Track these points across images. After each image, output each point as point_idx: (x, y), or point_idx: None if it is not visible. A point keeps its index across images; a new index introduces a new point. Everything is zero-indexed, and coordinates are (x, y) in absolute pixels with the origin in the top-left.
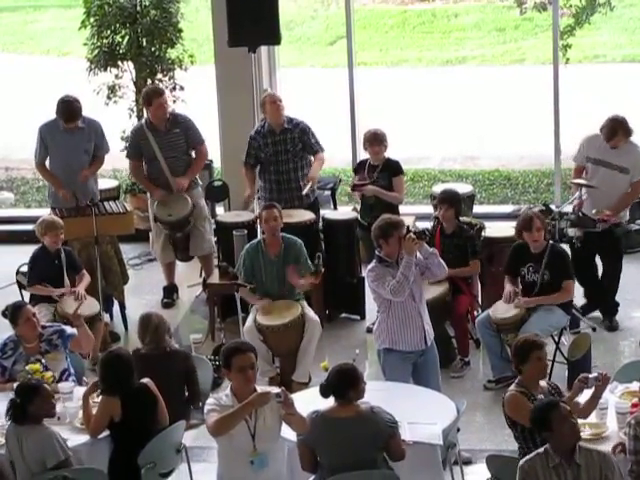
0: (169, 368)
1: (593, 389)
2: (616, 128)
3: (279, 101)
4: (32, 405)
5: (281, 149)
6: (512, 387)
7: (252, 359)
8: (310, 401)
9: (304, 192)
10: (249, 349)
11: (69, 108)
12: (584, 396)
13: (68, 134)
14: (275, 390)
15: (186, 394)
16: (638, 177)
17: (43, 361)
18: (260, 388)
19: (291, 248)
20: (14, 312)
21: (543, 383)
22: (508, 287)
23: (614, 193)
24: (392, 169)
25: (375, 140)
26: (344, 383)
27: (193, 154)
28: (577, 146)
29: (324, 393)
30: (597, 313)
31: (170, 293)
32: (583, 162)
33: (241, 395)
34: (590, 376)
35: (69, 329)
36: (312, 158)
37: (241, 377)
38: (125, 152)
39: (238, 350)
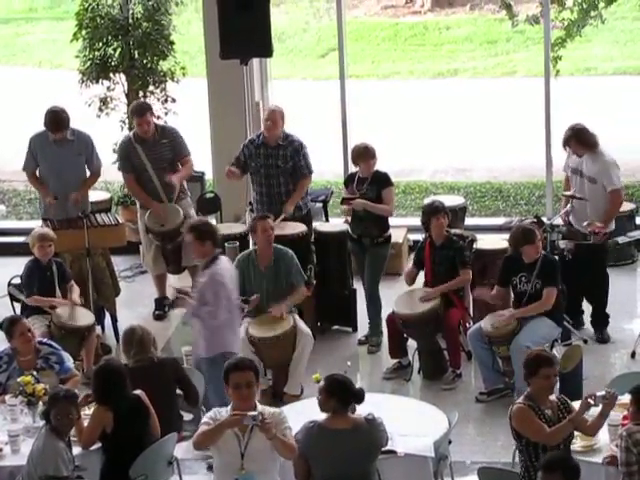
0: (159, 379)
1: (600, 407)
2: (569, 137)
3: (273, 120)
4: (50, 412)
5: (271, 163)
6: (521, 399)
7: (249, 377)
8: (302, 413)
9: (286, 213)
10: (248, 367)
11: (55, 118)
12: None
13: (57, 146)
14: (252, 412)
15: (177, 406)
16: (610, 187)
17: (35, 373)
18: (261, 407)
19: (282, 259)
20: (9, 326)
21: (553, 397)
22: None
23: (592, 204)
24: (381, 181)
25: (367, 154)
26: (349, 393)
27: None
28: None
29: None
30: (588, 325)
31: (162, 305)
32: (569, 172)
33: (240, 410)
34: (598, 394)
35: (68, 361)
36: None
37: (236, 394)
38: (117, 165)
39: (236, 367)
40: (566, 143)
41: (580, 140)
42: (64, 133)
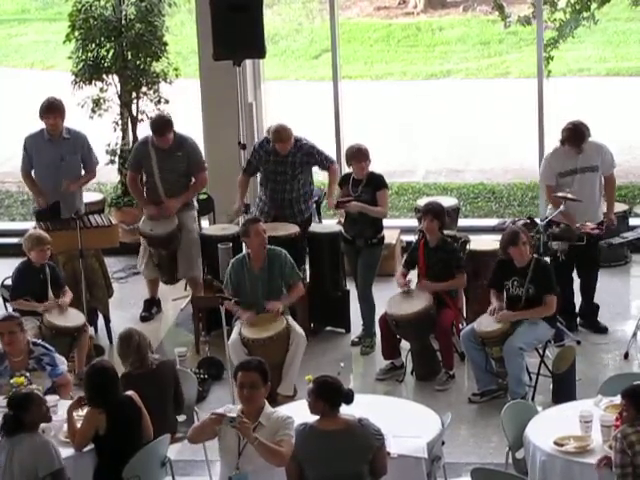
0: (158, 383)
1: None
2: (583, 131)
3: (288, 144)
4: (28, 414)
5: (281, 170)
6: None
7: (253, 378)
8: (295, 414)
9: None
10: (254, 368)
11: (50, 101)
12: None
13: (52, 144)
14: (231, 414)
15: (172, 408)
16: (609, 171)
17: (27, 375)
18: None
19: (275, 259)
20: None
21: None
22: (495, 302)
23: (593, 194)
24: (376, 183)
25: (361, 155)
26: (338, 393)
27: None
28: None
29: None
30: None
31: (150, 307)
32: (554, 181)
33: (245, 411)
34: None
35: (62, 364)
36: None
37: (239, 394)
38: (110, 164)
39: (242, 367)
40: (582, 138)
41: (589, 131)
42: (54, 122)
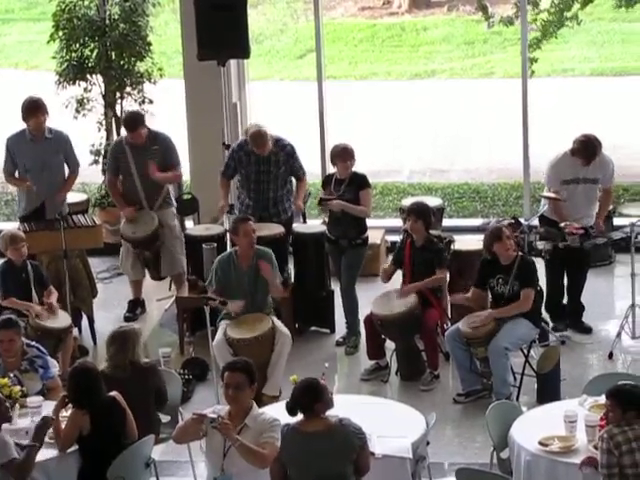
0: (143, 383)
1: None
2: (596, 146)
3: (265, 147)
4: None
5: (264, 169)
6: None
7: (238, 379)
8: (281, 414)
9: (295, 219)
10: (240, 369)
11: (33, 100)
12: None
13: (34, 144)
14: (211, 415)
15: (155, 408)
16: (608, 184)
17: (11, 375)
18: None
19: (262, 258)
20: None
21: None
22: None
23: (591, 203)
24: (359, 183)
25: (346, 155)
26: (308, 397)
27: None
28: (545, 169)
29: (291, 411)
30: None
31: (134, 307)
32: (558, 186)
33: (232, 412)
34: None
35: (54, 367)
36: (294, 181)
37: (225, 394)
38: (94, 165)
39: (228, 367)
40: (593, 154)
41: (601, 147)
42: (42, 117)
